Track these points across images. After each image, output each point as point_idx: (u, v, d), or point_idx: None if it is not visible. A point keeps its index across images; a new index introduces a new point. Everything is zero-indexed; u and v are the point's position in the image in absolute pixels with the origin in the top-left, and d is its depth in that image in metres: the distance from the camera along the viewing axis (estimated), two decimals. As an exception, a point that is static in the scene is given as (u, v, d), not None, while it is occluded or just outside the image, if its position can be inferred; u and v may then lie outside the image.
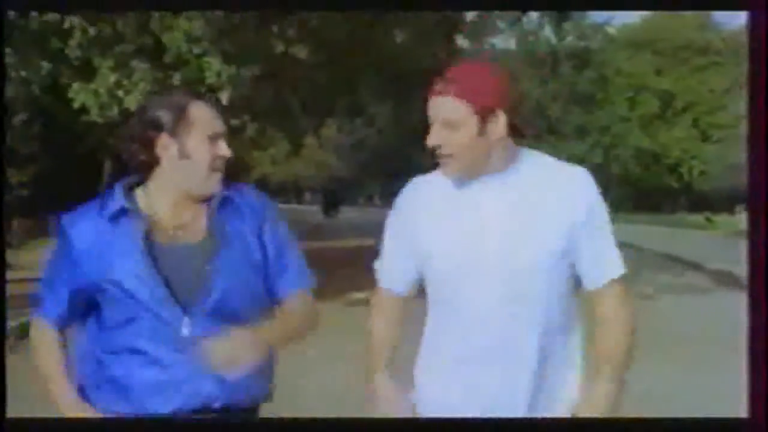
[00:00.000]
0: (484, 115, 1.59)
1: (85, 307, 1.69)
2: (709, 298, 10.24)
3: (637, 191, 38.94)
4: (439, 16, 11.09)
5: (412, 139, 41.62)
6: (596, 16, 42.54)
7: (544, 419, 1.58)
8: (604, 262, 1.65)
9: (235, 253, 1.66)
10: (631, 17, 47.77)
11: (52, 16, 6.94)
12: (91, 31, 7.09)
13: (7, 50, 6.92)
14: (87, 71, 7.42)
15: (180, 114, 1.63)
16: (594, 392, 1.63)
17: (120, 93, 7.14)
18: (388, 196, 60.50)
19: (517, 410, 1.63)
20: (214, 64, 7.15)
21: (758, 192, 1.65)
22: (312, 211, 37.44)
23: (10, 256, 12.99)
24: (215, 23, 7.02)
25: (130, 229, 1.63)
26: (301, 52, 8.06)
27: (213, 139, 1.65)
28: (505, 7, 9.78)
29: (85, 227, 1.65)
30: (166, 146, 1.63)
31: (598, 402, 1.62)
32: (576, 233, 1.62)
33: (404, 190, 1.81)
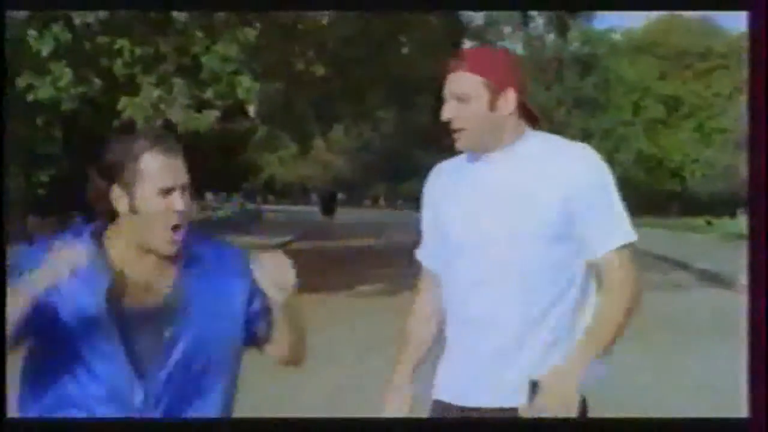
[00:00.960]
0: (495, 90, 1.65)
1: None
2: (698, 295, 10.20)
3: (639, 195, 38.77)
4: (444, 25, 11.48)
5: (416, 142, 41.65)
6: (600, 22, 42.52)
7: (544, 419, 1.53)
8: (607, 231, 1.64)
9: (199, 316, 1.54)
10: (635, 22, 47.65)
11: (101, 39, 7.87)
12: (138, 51, 8.04)
13: (66, 69, 7.83)
14: (131, 87, 8.38)
15: (129, 165, 1.50)
16: (568, 361, 1.58)
17: (162, 106, 8.05)
18: (393, 197, 60.35)
19: (511, 390, 1.60)
20: (244, 82, 8.06)
21: (759, 193, 1.64)
22: (318, 212, 37.47)
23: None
24: (247, 46, 8.03)
25: (95, 286, 1.50)
26: (318, 70, 9.11)
27: (168, 192, 1.51)
28: (505, 7, 10.16)
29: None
30: (118, 198, 1.52)
31: (570, 371, 1.56)
32: (574, 205, 1.63)
33: (429, 174, 1.86)
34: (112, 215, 1.54)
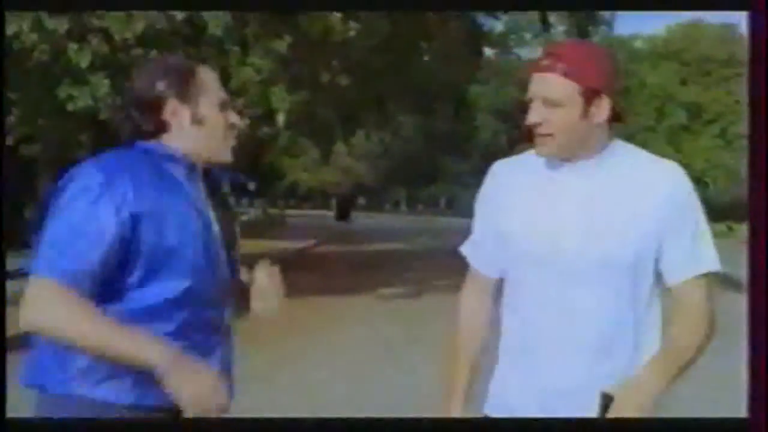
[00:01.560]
0: (589, 97, 1.52)
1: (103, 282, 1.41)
2: (722, 300, 10.12)
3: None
4: (465, 33, 11.60)
5: (436, 147, 41.60)
6: (621, 29, 42.16)
7: (546, 419, 1.50)
8: (690, 258, 1.54)
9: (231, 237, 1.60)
10: (656, 29, 47.20)
11: (135, 51, 7.95)
12: None
13: (104, 80, 8.04)
14: None
15: (188, 78, 1.49)
16: (643, 377, 1.48)
17: None
18: (413, 201, 60.21)
19: (574, 406, 1.52)
20: (278, 92, 8.33)
21: (759, 194, 1.61)
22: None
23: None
24: (278, 58, 8.25)
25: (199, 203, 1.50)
26: (343, 80, 9.27)
27: (223, 106, 1.53)
28: (515, 8, 10.40)
29: (144, 188, 1.43)
30: (175, 112, 1.48)
31: (645, 386, 1.47)
32: (658, 228, 1.53)
33: (489, 170, 1.70)
34: (155, 134, 1.49)
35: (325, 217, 37.03)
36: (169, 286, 1.45)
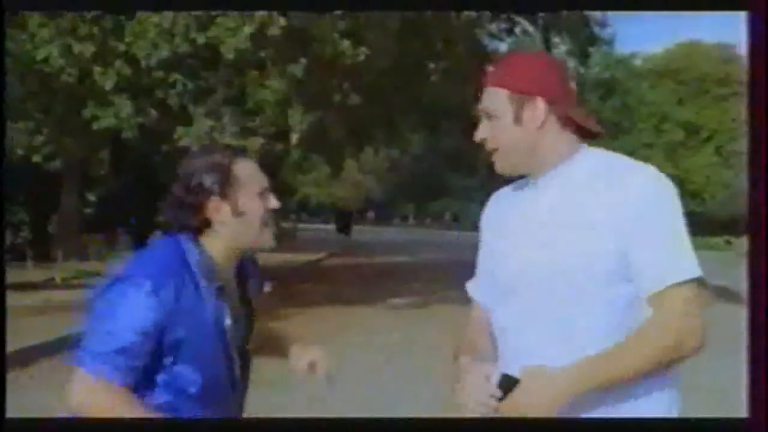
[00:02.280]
0: (520, 101, 1.41)
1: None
2: (712, 310, 10.09)
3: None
4: (470, 53, 11.75)
5: (443, 163, 41.60)
6: (621, 48, 42.26)
7: (545, 419, 1.37)
8: (662, 267, 1.36)
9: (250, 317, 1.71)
10: (655, 49, 47.26)
11: (157, 74, 8.24)
12: (189, 84, 8.48)
13: (126, 101, 8.34)
14: (183, 115, 8.87)
15: (226, 175, 1.55)
16: (561, 372, 1.35)
17: (215, 135, 8.46)
18: (421, 216, 60.00)
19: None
20: (295, 114, 8.57)
21: (759, 195, 1.56)
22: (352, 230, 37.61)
23: (95, 266, 13.54)
24: (294, 80, 8.43)
25: (215, 295, 1.56)
26: (354, 99, 9.44)
27: (262, 194, 1.59)
28: (508, 9, 10.61)
29: (175, 287, 1.52)
30: (217, 209, 1.55)
31: (556, 382, 1.34)
32: (629, 238, 1.36)
33: (488, 202, 1.63)
34: (200, 229, 1.56)
35: (334, 231, 37.08)
36: (187, 381, 1.55)
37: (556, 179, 1.44)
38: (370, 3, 5.55)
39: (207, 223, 1.57)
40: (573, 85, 1.50)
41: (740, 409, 1.58)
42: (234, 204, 1.56)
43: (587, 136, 1.48)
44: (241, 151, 1.64)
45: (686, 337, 1.36)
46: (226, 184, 1.56)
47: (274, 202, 1.61)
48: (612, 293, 1.38)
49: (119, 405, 1.49)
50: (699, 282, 1.39)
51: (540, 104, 1.42)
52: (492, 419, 1.42)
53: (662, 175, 1.43)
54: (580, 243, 1.38)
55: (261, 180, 1.60)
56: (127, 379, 1.50)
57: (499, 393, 1.40)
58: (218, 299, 1.57)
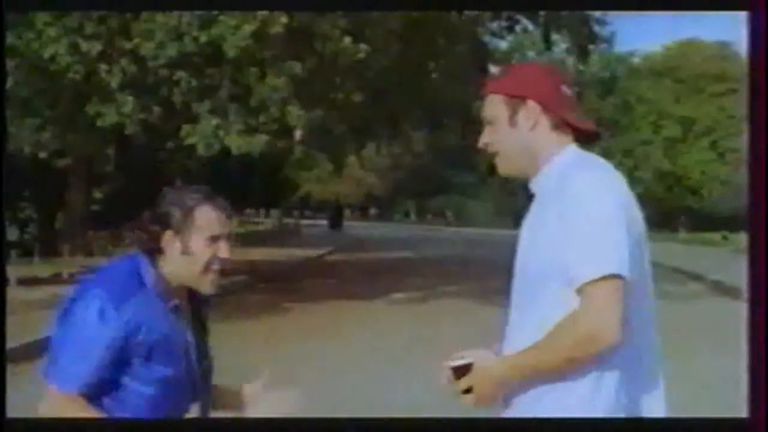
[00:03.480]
0: (514, 104, 1.48)
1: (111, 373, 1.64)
2: (709, 305, 10.08)
3: (659, 211, 38.22)
4: (471, 52, 11.73)
5: (444, 160, 41.58)
6: (620, 47, 42.16)
7: (544, 419, 1.42)
8: (584, 262, 1.38)
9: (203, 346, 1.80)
10: (653, 47, 47.14)
11: (162, 72, 8.22)
12: (194, 81, 8.45)
13: (129, 98, 8.28)
14: (187, 113, 8.85)
15: (185, 215, 1.65)
16: (495, 366, 1.45)
17: (220, 133, 8.44)
18: (423, 212, 59.93)
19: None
20: (294, 111, 8.43)
21: (758, 194, 1.56)
22: (352, 226, 37.63)
23: (101, 262, 13.60)
24: (294, 78, 8.42)
25: (171, 312, 1.68)
26: (356, 97, 9.42)
27: (213, 240, 1.67)
28: (509, 7, 10.60)
29: (137, 308, 1.62)
30: (169, 241, 1.66)
31: (489, 375, 1.44)
32: (558, 237, 1.41)
33: None
34: (154, 253, 1.68)
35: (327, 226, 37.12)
36: (146, 390, 1.66)
37: (538, 182, 1.52)
38: (373, 3, 5.54)
39: (160, 251, 1.67)
40: (569, 90, 1.53)
41: (740, 409, 1.57)
42: (184, 243, 1.66)
43: (583, 137, 1.52)
44: (213, 198, 1.70)
45: (599, 332, 1.36)
46: (182, 223, 1.66)
47: (225, 251, 1.68)
48: (562, 292, 1.41)
49: (80, 413, 1.58)
50: (620, 278, 1.38)
51: (531, 105, 1.48)
52: (492, 419, 1.45)
53: (603, 174, 1.45)
54: (538, 244, 1.46)
55: (218, 228, 1.68)
56: (88, 389, 1.60)
57: (452, 377, 1.50)
58: (174, 315, 1.68)
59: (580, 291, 1.38)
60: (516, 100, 1.48)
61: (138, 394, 1.64)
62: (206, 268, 1.67)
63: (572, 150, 1.51)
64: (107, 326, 1.58)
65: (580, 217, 1.39)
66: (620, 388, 1.42)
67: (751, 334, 1.51)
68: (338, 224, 32.60)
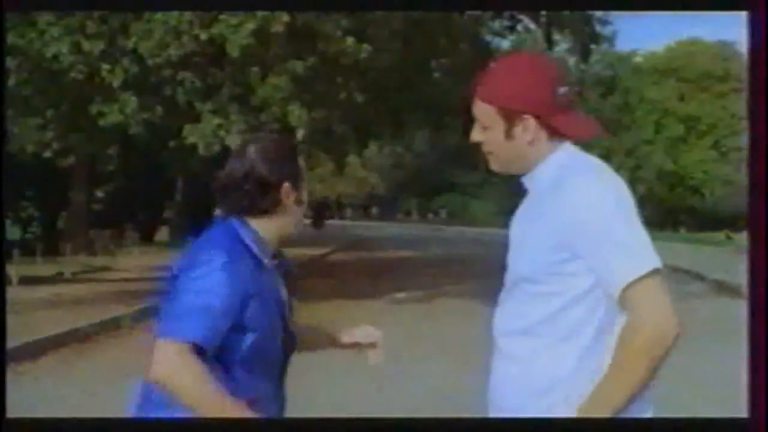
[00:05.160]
0: (509, 117, 1.44)
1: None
2: (710, 305, 10.07)
3: (662, 210, 38.18)
4: (473, 51, 11.73)
5: (446, 159, 41.58)
6: (622, 46, 42.11)
7: (543, 419, 1.40)
8: (616, 268, 1.37)
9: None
10: (656, 47, 47.07)
11: (166, 71, 8.24)
12: (197, 81, 8.48)
13: (132, 98, 8.30)
14: (190, 112, 8.84)
15: (297, 165, 1.67)
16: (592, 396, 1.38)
17: (222, 133, 8.42)
18: (424, 211, 59.85)
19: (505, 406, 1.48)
20: (295, 110, 8.38)
21: (758, 192, 1.55)
22: (355, 225, 37.64)
23: (103, 261, 13.61)
24: (296, 78, 8.39)
25: (274, 276, 1.69)
26: (358, 97, 9.40)
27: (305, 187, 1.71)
28: (512, 7, 10.60)
29: (243, 269, 1.59)
30: (288, 193, 1.63)
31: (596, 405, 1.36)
32: (560, 240, 1.40)
33: None
34: (266, 210, 1.63)
35: (339, 226, 37.10)
36: (247, 341, 1.61)
37: (530, 182, 1.51)
38: (375, 3, 5.53)
39: (275, 206, 1.64)
40: (565, 89, 1.47)
41: (740, 409, 1.57)
42: (299, 193, 1.67)
43: (570, 138, 1.50)
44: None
45: (662, 329, 1.35)
46: (296, 172, 1.66)
47: (305, 194, 1.71)
48: (546, 292, 1.42)
49: (192, 377, 1.49)
50: (659, 271, 1.37)
51: (531, 124, 1.44)
52: (492, 419, 1.44)
53: (603, 177, 1.43)
54: (526, 242, 1.46)
55: (305, 174, 1.71)
56: (212, 340, 1.52)
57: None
58: (272, 274, 1.67)
59: (623, 297, 1.36)
60: (510, 112, 1.44)
61: (239, 348, 1.58)
62: (302, 213, 1.70)
63: (567, 149, 1.49)
64: (227, 282, 1.53)
65: (590, 224, 1.37)
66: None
67: (750, 333, 1.51)
68: (321, 223, 32.32)
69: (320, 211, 33.37)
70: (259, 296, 1.59)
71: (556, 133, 1.46)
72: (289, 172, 1.64)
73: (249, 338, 1.58)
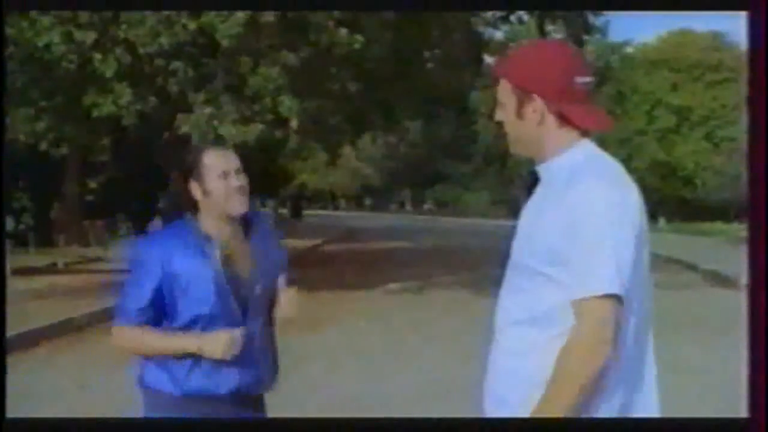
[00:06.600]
0: (521, 97, 1.45)
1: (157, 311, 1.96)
2: (704, 296, 10.12)
3: (654, 200, 38.30)
4: (466, 42, 11.68)
5: (439, 150, 41.56)
6: (615, 36, 42.08)
7: (542, 419, 1.38)
8: (584, 278, 1.37)
9: (267, 263, 2.05)
10: (648, 37, 47.06)
11: (158, 61, 8.29)
12: (190, 72, 8.49)
13: (126, 89, 8.30)
14: (183, 103, 8.86)
15: (196, 163, 1.96)
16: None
17: (215, 122, 8.48)
18: (418, 202, 59.89)
19: (501, 402, 1.48)
20: (286, 101, 8.46)
21: (758, 190, 1.55)
22: (348, 216, 37.62)
23: (96, 252, 13.54)
24: (288, 68, 8.44)
25: (211, 259, 1.94)
26: (352, 87, 9.52)
27: (225, 176, 1.94)
28: (512, 7, 10.54)
29: (173, 253, 1.92)
30: (194, 189, 1.96)
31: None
32: (555, 241, 1.40)
33: None
34: (193, 204, 1.96)
35: (333, 217, 37.07)
36: (191, 313, 1.96)
37: (545, 172, 1.50)
38: (370, 2, 5.47)
39: (194, 203, 1.96)
40: (585, 80, 1.47)
41: (740, 409, 1.58)
42: (203, 185, 1.95)
43: (579, 128, 1.49)
44: (221, 142, 1.94)
45: (594, 351, 1.35)
46: (197, 170, 1.95)
47: (234, 182, 1.94)
48: (550, 280, 1.42)
49: (137, 335, 1.94)
50: (618, 299, 1.35)
51: (538, 104, 1.45)
52: (491, 419, 1.42)
53: (614, 184, 1.42)
54: (533, 232, 1.45)
55: (225, 164, 1.95)
56: (139, 320, 1.94)
57: None
58: (214, 255, 1.94)
59: (575, 307, 1.37)
60: (522, 92, 1.46)
61: (187, 316, 1.92)
62: (227, 197, 1.93)
63: (584, 148, 1.48)
64: (152, 261, 1.90)
65: (583, 228, 1.37)
66: (615, 389, 1.41)
67: (751, 333, 1.50)
68: (299, 213, 32.20)
69: (297, 205, 33.28)
70: (190, 273, 1.91)
71: (566, 122, 1.46)
72: (192, 170, 1.95)
73: (183, 308, 1.92)
